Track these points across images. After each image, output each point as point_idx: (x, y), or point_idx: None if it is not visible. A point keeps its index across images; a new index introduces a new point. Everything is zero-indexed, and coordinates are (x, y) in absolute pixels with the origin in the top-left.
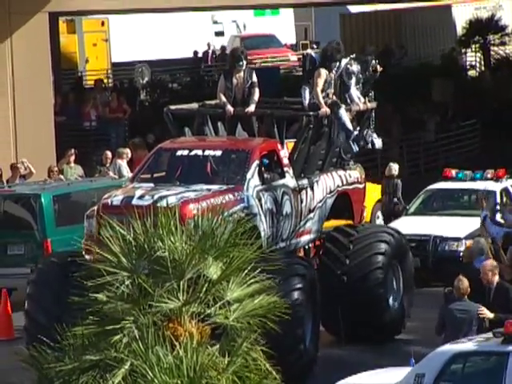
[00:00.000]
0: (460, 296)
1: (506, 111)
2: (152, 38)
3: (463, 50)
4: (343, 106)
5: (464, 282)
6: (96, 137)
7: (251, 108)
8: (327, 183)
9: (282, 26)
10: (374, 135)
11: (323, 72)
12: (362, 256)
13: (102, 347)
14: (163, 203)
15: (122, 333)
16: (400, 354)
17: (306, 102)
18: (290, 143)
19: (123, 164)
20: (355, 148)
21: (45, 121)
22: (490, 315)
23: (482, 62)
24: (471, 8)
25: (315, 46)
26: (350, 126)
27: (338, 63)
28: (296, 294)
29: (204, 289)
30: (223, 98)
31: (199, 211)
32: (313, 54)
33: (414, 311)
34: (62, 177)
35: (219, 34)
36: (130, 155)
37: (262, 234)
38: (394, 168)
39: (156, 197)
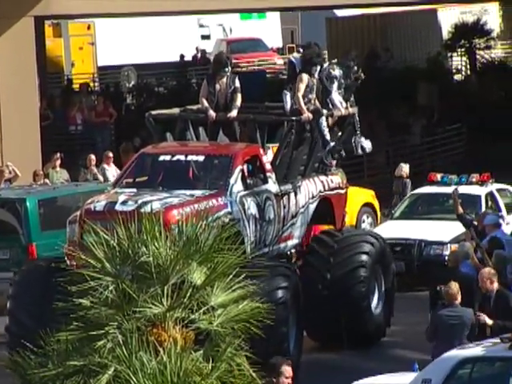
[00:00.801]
0: (450, 302)
1: (491, 115)
2: (138, 42)
3: (449, 54)
4: (324, 115)
5: (453, 288)
6: (82, 141)
7: (233, 113)
8: (309, 188)
9: (269, 29)
10: (362, 139)
11: (305, 77)
12: (343, 270)
13: (85, 352)
14: (147, 209)
15: (106, 338)
16: (385, 357)
17: (288, 106)
18: (274, 147)
19: (109, 168)
20: (329, 159)
21: (30, 124)
22: (489, 322)
23: (468, 66)
24: (457, 12)
25: (301, 50)
26: (328, 136)
27: (318, 67)
28: (280, 298)
29: (188, 294)
30: (205, 103)
31: (183, 217)
32: (292, 60)
33: (399, 315)
34: (47, 181)
35: (205, 37)
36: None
37: (246, 239)
38: (401, 168)
39: (139, 202)
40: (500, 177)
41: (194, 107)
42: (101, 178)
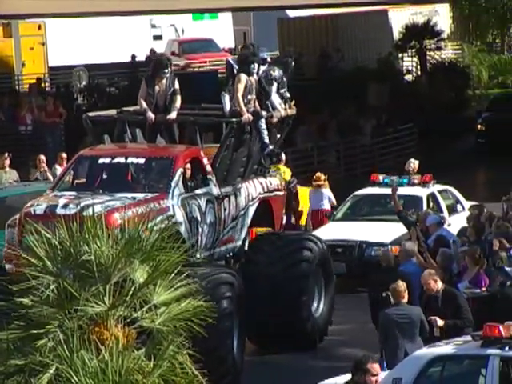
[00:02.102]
0: (397, 300)
1: (441, 115)
2: (90, 42)
3: (400, 55)
4: (264, 117)
5: (400, 286)
6: (32, 141)
7: (173, 115)
8: (249, 191)
9: (221, 30)
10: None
11: (243, 77)
12: (284, 270)
13: (27, 352)
14: (89, 212)
15: (47, 337)
16: (334, 356)
17: (227, 108)
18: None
19: (61, 169)
20: (267, 162)
21: None
22: (441, 323)
23: (419, 67)
24: (408, 13)
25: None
26: (266, 139)
27: (255, 65)
28: (225, 309)
29: (130, 292)
30: (144, 105)
31: (125, 220)
32: (230, 60)
33: (344, 315)
34: None
35: (157, 38)
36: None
37: (188, 243)
38: (410, 163)
39: (81, 205)
40: (448, 177)
41: (131, 109)
42: (51, 177)
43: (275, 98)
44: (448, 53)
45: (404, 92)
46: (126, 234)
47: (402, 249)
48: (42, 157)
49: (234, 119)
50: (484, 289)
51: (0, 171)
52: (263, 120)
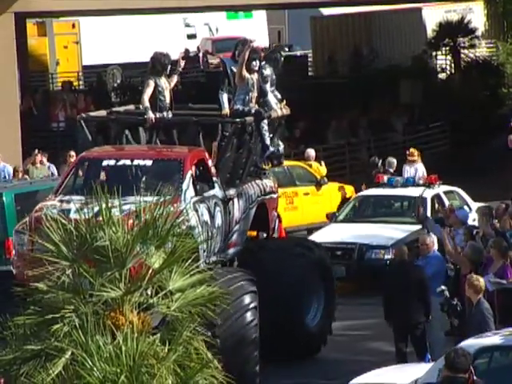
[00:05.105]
0: (477, 295)
1: (474, 114)
2: (123, 41)
3: (433, 53)
4: (266, 118)
5: (481, 280)
6: (64, 138)
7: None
8: (249, 193)
9: (255, 29)
10: (279, 141)
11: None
12: (280, 288)
13: (43, 337)
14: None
15: (63, 322)
16: (356, 351)
17: (226, 107)
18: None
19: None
20: (267, 164)
21: (10, 122)
22: None
23: (452, 65)
24: (441, 11)
25: (287, 49)
26: (268, 141)
27: (257, 62)
28: (250, 303)
29: (146, 278)
30: (146, 103)
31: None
32: (223, 59)
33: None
34: (26, 177)
35: (191, 36)
36: None
37: (200, 248)
38: None
39: (96, 210)
40: (481, 175)
41: (121, 109)
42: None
43: (271, 97)
44: (482, 51)
45: (437, 90)
46: (141, 220)
47: (422, 242)
48: (72, 153)
49: (238, 119)
50: (511, 280)
51: (31, 167)
52: (265, 121)
